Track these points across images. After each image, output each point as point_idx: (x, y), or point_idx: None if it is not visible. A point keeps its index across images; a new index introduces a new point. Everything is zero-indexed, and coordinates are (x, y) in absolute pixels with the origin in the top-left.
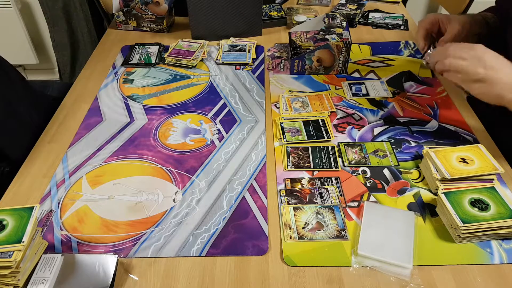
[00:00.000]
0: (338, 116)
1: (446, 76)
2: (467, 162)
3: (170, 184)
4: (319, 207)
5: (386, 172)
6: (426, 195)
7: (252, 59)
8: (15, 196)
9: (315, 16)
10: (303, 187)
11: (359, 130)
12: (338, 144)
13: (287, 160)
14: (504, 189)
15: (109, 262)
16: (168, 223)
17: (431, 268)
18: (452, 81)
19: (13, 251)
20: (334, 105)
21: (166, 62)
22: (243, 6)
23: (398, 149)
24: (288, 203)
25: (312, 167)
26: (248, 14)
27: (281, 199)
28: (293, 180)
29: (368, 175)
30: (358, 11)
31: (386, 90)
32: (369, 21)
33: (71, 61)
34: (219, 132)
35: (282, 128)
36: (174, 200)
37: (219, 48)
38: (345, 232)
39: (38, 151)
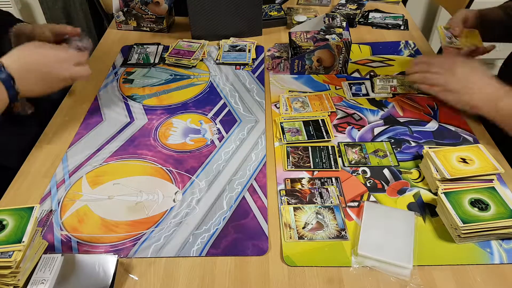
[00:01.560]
0: (338, 116)
1: (420, 87)
2: (467, 162)
3: (170, 184)
4: (319, 207)
5: (386, 172)
6: (426, 195)
7: (252, 59)
8: (15, 196)
9: (315, 16)
10: (303, 187)
11: (359, 130)
12: (338, 144)
13: (287, 160)
14: (504, 189)
15: (109, 262)
16: (168, 223)
17: (431, 268)
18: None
19: (13, 251)
20: (334, 105)
21: (166, 62)
22: (243, 6)
23: (398, 149)
24: (288, 203)
25: (312, 167)
26: (248, 14)
27: (281, 199)
28: (293, 180)
29: (368, 175)
30: (358, 11)
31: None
32: (369, 21)
33: None
34: (219, 132)
35: (282, 128)
36: (174, 200)
37: (219, 48)
38: (345, 232)
39: (38, 151)
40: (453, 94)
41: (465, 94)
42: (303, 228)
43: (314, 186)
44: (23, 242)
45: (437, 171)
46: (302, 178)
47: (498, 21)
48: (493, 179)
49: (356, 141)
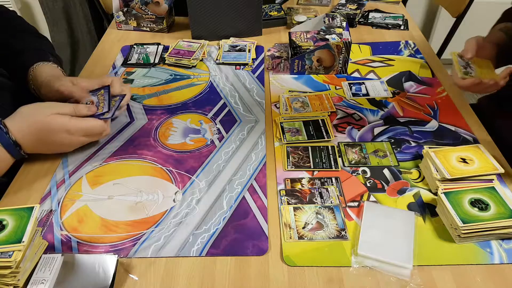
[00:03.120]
0: (338, 116)
1: None
2: (467, 162)
3: (170, 184)
4: (319, 207)
5: (386, 172)
6: (426, 195)
7: (252, 59)
8: (15, 196)
9: (315, 16)
10: (303, 187)
11: (359, 130)
12: (338, 144)
13: (287, 160)
14: (504, 189)
15: (109, 262)
16: (168, 223)
17: (431, 268)
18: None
19: (13, 251)
20: (334, 105)
21: (166, 62)
22: (243, 6)
23: (398, 149)
24: (288, 203)
25: (312, 167)
26: (248, 14)
27: (281, 199)
28: (293, 180)
29: (368, 175)
30: (358, 11)
31: (386, 90)
32: (369, 21)
33: (71, 61)
34: (219, 132)
35: (282, 128)
36: (174, 200)
37: (219, 48)
38: (345, 232)
39: None
40: None
41: None
42: (303, 228)
43: (314, 186)
44: (23, 242)
45: (437, 171)
46: (302, 178)
47: (502, 45)
48: (493, 179)
49: (356, 141)
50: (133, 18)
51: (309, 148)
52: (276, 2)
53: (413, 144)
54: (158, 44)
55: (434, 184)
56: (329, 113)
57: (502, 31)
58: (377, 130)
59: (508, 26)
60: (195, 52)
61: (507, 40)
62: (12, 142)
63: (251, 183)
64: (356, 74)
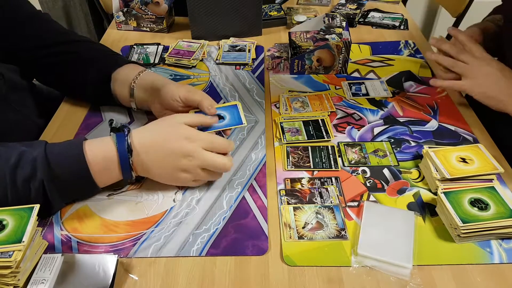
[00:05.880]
0: (338, 116)
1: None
2: (467, 162)
3: (170, 184)
4: (319, 207)
5: (386, 172)
6: (426, 195)
7: (252, 59)
8: None
9: (315, 16)
10: (303, 187)
11: (359, 130)
12: (338, 144)
13: (287, 160)
14: (504, 189)
15: (109, 262)
16: (168, 223)
17: (431, 268)
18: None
19: (13, 251)
20: (334, 105)
21: (166, 62)
22: (243, 6)
23: (398, 149)
24: (288, 203)
25: (312, 167)
26: (248, 14)
27: (281, 199)
28: (293, 180)
29: (368, 175)
30: (358, 11)
31: (386, 90)
32: (367, 19)
33: None
34: (219, 132)
35: (282, 128)
36: (174, 200)
37: (219, 48)
38: (345, 232)
39: None
40: (489, 99)
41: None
42: (303, 228)
43: (314, 186)
44: (23, 242)
45: (437, 171)
46: (302, 178)
47: (493, 36)
48: (493, 179)
49: (356, 141)
50: (133, 18)
51: (309, 148)
52: (276, 2)
53: (413, 144)
54: (158, 44)
55: (434, 184)
56: (329, 113)
57: (489, 21)
58: (377, 130)
59: (496, 17)
60: (195, 52)
61: (495, 28)
62: (127, 148)
63: (251, 183)
64: (356, 74)
